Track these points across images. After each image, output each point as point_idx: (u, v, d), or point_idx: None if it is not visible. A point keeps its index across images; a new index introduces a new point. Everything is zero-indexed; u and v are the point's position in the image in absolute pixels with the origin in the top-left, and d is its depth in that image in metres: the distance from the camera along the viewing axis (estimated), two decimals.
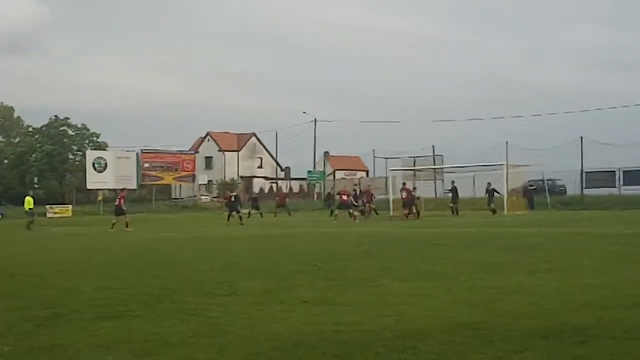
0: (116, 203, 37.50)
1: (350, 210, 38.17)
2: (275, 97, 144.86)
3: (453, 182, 47.08)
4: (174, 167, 77.14)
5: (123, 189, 47.86)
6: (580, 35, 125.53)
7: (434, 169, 57.74)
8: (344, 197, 39.12)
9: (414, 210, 39.62)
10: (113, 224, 34.74)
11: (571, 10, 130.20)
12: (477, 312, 8.74)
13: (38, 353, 7.21)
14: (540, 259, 15.08)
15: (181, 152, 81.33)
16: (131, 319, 8.89)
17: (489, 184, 44.92)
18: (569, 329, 7.70)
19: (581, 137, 54.23)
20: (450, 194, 45.42)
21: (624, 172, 52.10)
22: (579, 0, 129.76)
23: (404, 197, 40.15)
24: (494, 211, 42.02)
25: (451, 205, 43.78)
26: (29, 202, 43.11)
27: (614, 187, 52.50)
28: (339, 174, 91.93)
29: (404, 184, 43.36)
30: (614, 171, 52.50)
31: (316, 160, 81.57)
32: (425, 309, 9.07)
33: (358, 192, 44.20)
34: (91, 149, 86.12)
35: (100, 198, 69.28)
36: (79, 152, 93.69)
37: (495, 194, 44.21)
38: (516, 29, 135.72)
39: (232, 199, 40.77)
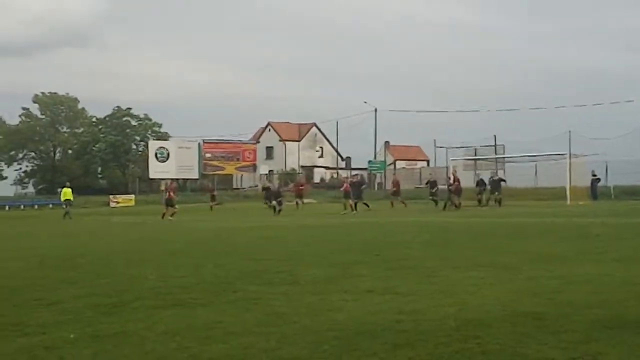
0: (166, 195, 37.93)
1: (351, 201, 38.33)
2: (336, 87, 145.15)
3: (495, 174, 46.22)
4: (235, 157, 77.75)
5: (172, 181, 48.48)
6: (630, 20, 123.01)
7: (496, 158, 57.31)
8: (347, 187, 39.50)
9: (456, 201, 38.22)
10: (163, 214, 35.56)
11: None
12: (540, 302, 8.67)
13: (103, 340, 7.31)
14: (603, 249, 14.91)
15: (242, 142, 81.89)
16: (194, 307, 9.00)
17: (495, 173, 44.33)
18: (634, 320, 7.61)
19: None
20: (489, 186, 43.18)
21: None
22: None
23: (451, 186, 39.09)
24: (480, 202, 41.66)
25: (495, 195, 41.83)
26: (66, 193, 43.81)
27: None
28: (400, 164, 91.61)
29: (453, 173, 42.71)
30: None
31: (377, 150, 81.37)
32: (487, 299, 9.02)
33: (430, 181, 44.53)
34: (153, 139, 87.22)
35: (162, 188, 70.07)
36: (141, 142, 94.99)
37: (502, 183, 42.52)
38: (575, 17, 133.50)
39: (266, 190, 45.12)
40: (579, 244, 16.48)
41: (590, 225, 22.14)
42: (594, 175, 49.08)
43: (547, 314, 7.96)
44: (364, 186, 41.73)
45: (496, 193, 40.84)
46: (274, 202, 40.42)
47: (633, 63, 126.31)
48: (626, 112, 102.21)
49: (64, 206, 43.76)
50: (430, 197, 42.39)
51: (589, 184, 47.72)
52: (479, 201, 41.48)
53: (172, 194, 37.25)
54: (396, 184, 45.52)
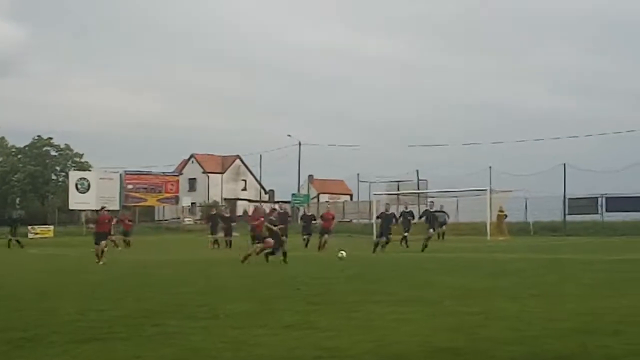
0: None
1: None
2: (260, 120, 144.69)
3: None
4: (157, 189, 76.98)
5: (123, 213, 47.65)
6: (559, 60, 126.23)
7: (418, 193, 57.89)
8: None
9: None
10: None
11: (552, 35, 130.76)
12: (459, 338, 8.73)
13: None
14: (523, 285, 15.13)
15: (165, 174, 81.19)
16: (113, 341, 8.84)
17: (406, 206, 40.25)
18: (551, 356, 7.72)
19: (564, 164, 54.60)
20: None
21: (607, 198, 52.35)
22: (561, 26, 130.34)
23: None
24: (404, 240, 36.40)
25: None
26: None
27: (597, 213, 52.65)
28: (323, 197, 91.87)
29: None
30: (597, 198, 52.72)
31: (300, 183, 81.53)
32: (407, 334, 9.06)
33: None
34: (74, 170, 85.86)
35: (83, 220, 69.01)
36: (62, 173, 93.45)
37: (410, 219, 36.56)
38: (498, 53, 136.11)
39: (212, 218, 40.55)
40: (498, 279, 16.72)
41: (510, 261, 22.47)
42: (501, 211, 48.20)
43: (466, 349, 8.02)
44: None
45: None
46: (220, 234, 37.42)
47: (556, 103, 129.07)
48: (548, 149, 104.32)
49: None
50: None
51: (510, 219, 48.44)
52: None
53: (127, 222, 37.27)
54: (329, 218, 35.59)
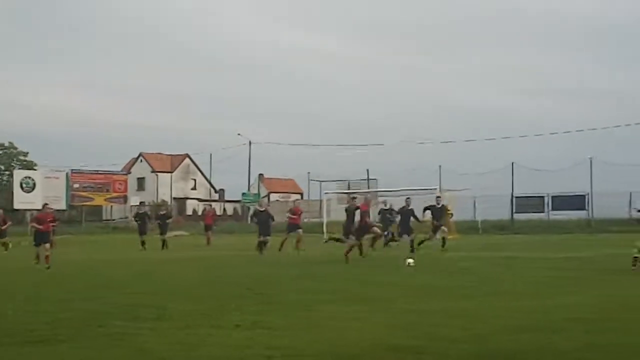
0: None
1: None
2: (210, 119, 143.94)
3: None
4: (105, 188, 76.10)
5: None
6: (509, 60, 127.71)
7: (368, 192, 57.99)
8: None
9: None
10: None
11: (501, 34, 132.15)
12: (414, 336, 8.70)
13: None
14: (474, 283, 15.19)
15: (112, 173, 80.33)
16: (59, 343, 8.63)
17: (385, 204, 40.18)
18: (504, 354, 7.75)
19: (512, 163, 55.23)
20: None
21: (552, 197, 53.15)
22: (509, 26, 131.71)
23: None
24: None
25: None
26: None
27: (543, 212, 53.42)
28: (274, 197, 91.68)
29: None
30: (543, 197, 53.48)
31: (251, 182, 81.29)
32: (361, 333, 8.99)
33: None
34: (19, 168, 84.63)
35: (28, 220, 67.97)
36: (6, 172, 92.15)
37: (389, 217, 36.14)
38: (447, 52, 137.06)
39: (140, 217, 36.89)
40: (451, 277, 16.78)
41: (461, 259, 22.56)
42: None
43: (421, 347, 7.99)
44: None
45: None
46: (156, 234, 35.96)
47: (508, 104, 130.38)
48: (498, 148, 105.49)
49: None
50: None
51: (458, 218, 48.63)
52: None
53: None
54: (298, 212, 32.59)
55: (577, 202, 52.63)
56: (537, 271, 17.91)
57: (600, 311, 10.90)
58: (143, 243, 34.42)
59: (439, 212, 27.45)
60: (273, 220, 29.03)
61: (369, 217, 24.93)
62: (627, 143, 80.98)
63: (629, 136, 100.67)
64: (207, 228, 40.66)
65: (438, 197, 29.18)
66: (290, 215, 30.50)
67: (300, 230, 29.96)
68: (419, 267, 19.50)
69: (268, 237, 28.06)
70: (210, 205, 52.27)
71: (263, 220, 28.69)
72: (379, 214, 36.98)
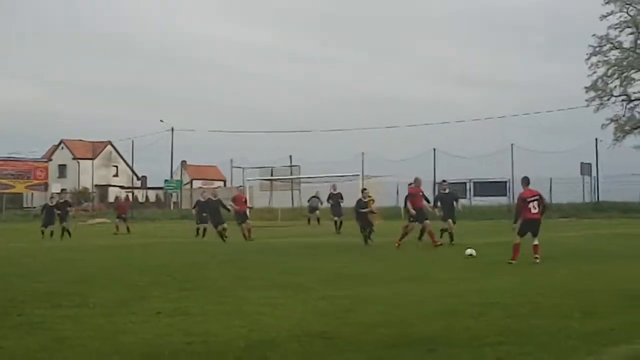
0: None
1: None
2: (132, 106, 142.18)
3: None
4: (25, 175, 74.70)
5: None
6: (430, 51, 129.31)
7: (291, 179, 58.12)
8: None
9: None
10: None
11: (421, 27, 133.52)
12: (329, 322, 8.85)
13: None
14: (394, 270, 15.44)
15: (34, 160, 78.92)
16: None
17: (334, 188, 41.14)
18: (419, 338, 7.90)
19: (434, 149, 55.91)
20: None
21: (474, 183, 53.89)
22: (435, 20, 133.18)
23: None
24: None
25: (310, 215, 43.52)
26: None
27: (465, 197, 54.13)
28: (197, 184, 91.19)
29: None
30: (465, 182, 54.16)
31: (173, 169, 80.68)
32: (278, 319, 9.12)
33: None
34: None
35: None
36: None
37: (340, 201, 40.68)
38: (370, 44, 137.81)
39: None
40: (371, 263, 17.02)
41: (382, 245, 22.80)
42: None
43: (336, 333, 8.14)
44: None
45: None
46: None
47: (426, 90, 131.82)
48: (421, 135, 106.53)
49: None
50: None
51: (383, 204, 49.12)
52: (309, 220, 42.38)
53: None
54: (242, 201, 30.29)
55: (498, 188, 53.43)
56: (457, 256, 18.20)
57: (517, 296, 11.16)
58: (42, 232, 32.93)
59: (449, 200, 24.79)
60: (225, 207, 28.18)
61: (424, 199, 23.74)
62: (547, 130, 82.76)
63: (549, 123, 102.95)
64: (120, 216, 39.61)
65: (443, 181, 27.55)
66: (233, 205, 28.88)
67: (249, 221, 29.14)
68: (338, 254, 19.71)
69: (224, 225, 27.28)
70: (124, 194, 50.98)
71: (214, 208, 27.84)
72: (328, 199, 37.38)
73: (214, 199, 28.68)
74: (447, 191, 24.48)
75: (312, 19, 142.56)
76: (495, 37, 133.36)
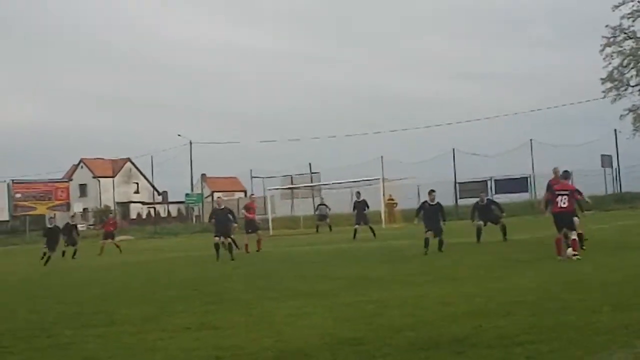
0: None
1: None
2: (149, 121, 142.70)
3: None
4: (47, 196, 75.15)
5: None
6: (434, 47, 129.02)
7: (312, 186, 58.16)
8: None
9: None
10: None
11: (424, 24, 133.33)
12: (357, 328, 8.82)
13: None
14: (418, 271, 15.39)
15: (54, 181, 79.36)
16: (6, 355, 8.59)
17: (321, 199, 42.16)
18: (447, 340, 7.85)
19: (453, 149, 55.75)
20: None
21: (495, 181, 53.68)
22: (430, 15, 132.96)
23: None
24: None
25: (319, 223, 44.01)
26: None
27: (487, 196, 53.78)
28: (217, 196, 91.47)
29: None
30: (486, 181, 53.97)
31: (194, 182, 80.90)
32: (306, 328, 9.10)
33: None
34: None
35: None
36: None
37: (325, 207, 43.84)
38: (374, 43, 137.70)
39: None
40: (394, 267, 16.98)
41: (405, 247, 22.77)
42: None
43: (365, 338, 8.11)
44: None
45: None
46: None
47: (438, 89, 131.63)
48: (435, 136, 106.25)
49: None
50: None
51: (404, 206, 49.03)
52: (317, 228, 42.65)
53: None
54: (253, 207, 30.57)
55: (519, 184, 53.19)
56: (480, 256, 18.17)
57: (543, 293, 11.11)
58: (44, 255, 31.17)
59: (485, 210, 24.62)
60: (234, 218, 25.83)
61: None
62: (564, 124, 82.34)
63: (564, 117, 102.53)
64: (107, 236, 37.42)
65: (482, 194, 27.39)
66: (245, 213, 28.64)
67: (259, 232, 28.41)
68: (361, 258, 19.69)
69: (228, 238, 24.86)
70: (112, 214, 49.49)
71: (220, 219, 25.12)
72: (354, 208, 35.58)
73: (219, 208, 26.20)
74: (434, 202, 22.19)
75: (315, 19, 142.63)
76: (502, 31, 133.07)
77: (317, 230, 43.01)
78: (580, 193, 17.91)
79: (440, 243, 20.87)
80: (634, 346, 7.09)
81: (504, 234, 23.22)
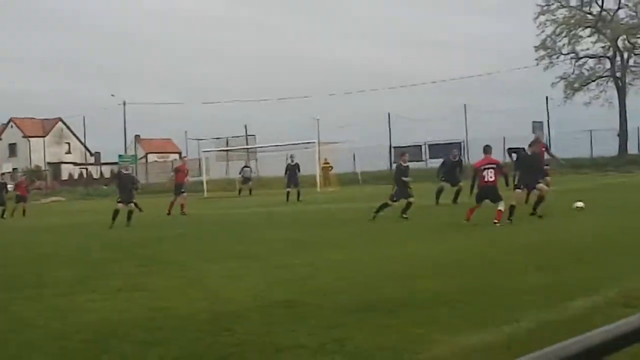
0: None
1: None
2: (82, 81, 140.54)
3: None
4: None
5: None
6: (374, 13, 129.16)
7: (247, 149, 57.96)
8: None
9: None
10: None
11: None
12: (291, 290, 8.89)
13: None
14: (351, 234, 15.53)
15: None
16: None
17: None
18: (380, 301, 7.97)
19: (388, 114, 56.07)
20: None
21: (429, 145, 54.12)
22: None
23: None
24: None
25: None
26: None
27: (422, 160, 54.35)
28: (152, 157, 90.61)
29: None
30: (420, 145, 54.40)
31: (127, 144, 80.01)
32: (239, 290, 9.14)
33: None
34: None
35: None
36: None
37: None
38: (313, 10, 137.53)
39: None
40: (328, 230, 17.04)
41: (338, 211, 22.91)
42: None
43: (297, 301, 8.18)
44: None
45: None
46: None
47: (372, 55, 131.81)
48: (371, 101, 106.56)
49: None
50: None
51: (339, 170, 49.23)
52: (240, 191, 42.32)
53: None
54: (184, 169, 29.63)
55: (452, 149, 53.63)
56: (414, 220, 18.31)
57: (474, 255, 11.35)
58: (3, 212, 32.85)
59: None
60: (134, 184, 24.90)
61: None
62: (498, 91, 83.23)
63: (500, 84, 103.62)
64: (20, 199, 35.42)
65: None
66: (174, 175, 28.32)
67: (184, 194, 27.60)
68: (295, 222, 19.78)
69: (131, 204, 23.42)
70: (25, 175, 47.80)
71: (125, 184, 23.85)
72: (286, 172, 35.26)
73: (125, 172, 25.33)
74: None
75: None
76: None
77: (239, 193, 42.55)
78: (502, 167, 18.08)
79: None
80: (555, 306, 7.29)
81: (456, 197, 23.44)
